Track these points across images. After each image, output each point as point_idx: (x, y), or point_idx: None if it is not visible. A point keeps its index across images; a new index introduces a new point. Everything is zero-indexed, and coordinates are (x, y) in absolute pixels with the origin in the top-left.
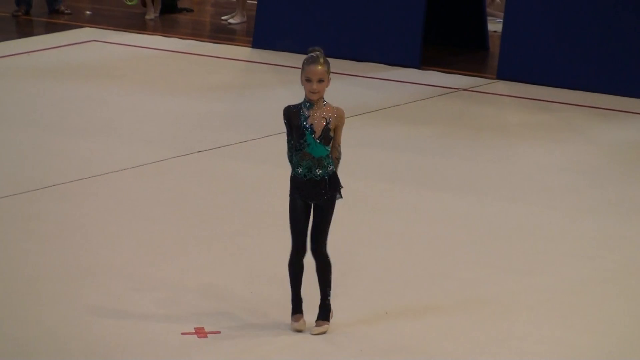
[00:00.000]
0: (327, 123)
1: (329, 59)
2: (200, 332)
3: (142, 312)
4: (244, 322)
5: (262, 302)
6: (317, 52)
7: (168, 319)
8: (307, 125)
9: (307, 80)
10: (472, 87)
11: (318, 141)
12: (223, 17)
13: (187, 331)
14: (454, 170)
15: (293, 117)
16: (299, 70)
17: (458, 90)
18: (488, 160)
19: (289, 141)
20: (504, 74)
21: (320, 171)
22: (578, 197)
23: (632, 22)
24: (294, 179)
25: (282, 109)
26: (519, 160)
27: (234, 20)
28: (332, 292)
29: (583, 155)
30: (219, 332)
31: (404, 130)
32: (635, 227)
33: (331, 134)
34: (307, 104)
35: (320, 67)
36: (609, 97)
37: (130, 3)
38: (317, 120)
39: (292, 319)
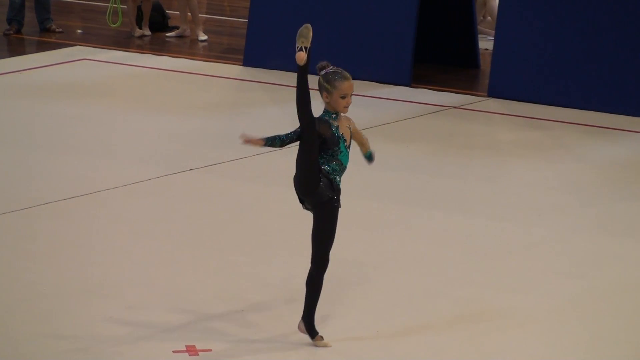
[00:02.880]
0: (350, 130)
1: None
2: (191, 350)
3: (133, 331)
4: (235, 340)
5: (253, 319)
6: (335, 67)
7: (159, 337)
8: (340, 134)
9: (342, 97)
10: (463, 105)
11: (348, 149)
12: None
13: (179, 349)
14: (444, 189)
15: (325, 128)
16: (290, 88)
17: (449, 108)
18: (479, 179)
19: (308, 152)
20: (495, 92)
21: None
22: (568, 215)
23: (622, 40)
24: (330, 187)
25: (274, 125)
26: (510, 179)
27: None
28: (324, 309)
29: (574, 173)
30: (211, 350)
31: (394, 148)
32: (625, 246)
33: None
34: (334, 115)
35: (351, 82)
36: (599, 114)
37: (114, 25)
38: (344, 130)
39: (316, 339)
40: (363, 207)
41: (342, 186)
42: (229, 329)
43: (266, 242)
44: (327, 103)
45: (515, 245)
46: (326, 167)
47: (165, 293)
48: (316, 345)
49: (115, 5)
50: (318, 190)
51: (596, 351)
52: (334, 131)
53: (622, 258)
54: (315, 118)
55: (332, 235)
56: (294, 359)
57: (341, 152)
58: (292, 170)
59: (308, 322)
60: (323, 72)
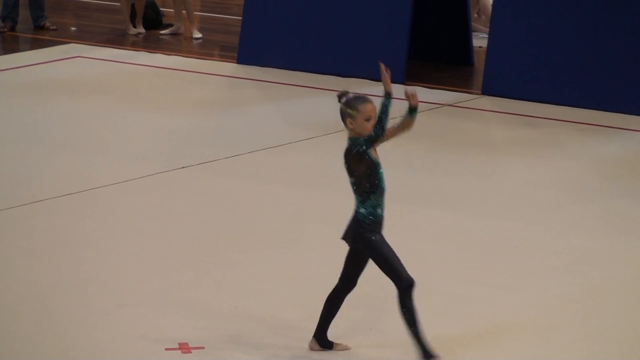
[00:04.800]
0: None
1: (313, 75)
2: (184, 348)
3: (127, 328)
4: (228, 338)
5: (246, 318)
6: (352, 92)
7: (153, 335)
8: (376, 159)
9: (367, 119)
10: (457, 103)
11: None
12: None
13: (172, 347)
14: (439, 186)
15: (365, 158)
16: (284, 86)
17: (443, 106)
18: (473, 176)
19: (366, 186)
20: (488, 90)
21: None
22: (563, 212)
23: (616, 38)
24: (375, 224)
25: (269, 122)
26: (504, 176)
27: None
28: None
29: (567, 170)
30: (203, 348)
31: (388, 145)
32: (620, 243)
33: None
34: (364, 142)
35: (374, 104)
36: (592, 112)
37: None
38: (375, 153)
39: (335, 347)
40: (349, 205)
41: (335, 184)
42: (222, 326)
43: (260, 240)
44: (351, 130)
45: (511, 242)
46: (368, 201)
47: (158, 290)
48: (338, 351)
49: None
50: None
51: (593, 349)
52: (373, 159)
53: (617, 254)
54: (350, 149)
55: (389, 258)
56: (286, 356)
57: (380, 177)
58: (286, 167)
59: (321, 338)
60: (344, 99)
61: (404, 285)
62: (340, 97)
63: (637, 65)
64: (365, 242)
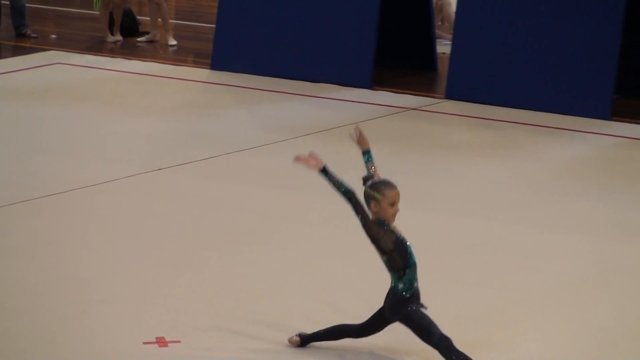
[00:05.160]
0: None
1: (284, 80)
2: (161, 342)
3: (106, 323)
4: (203, 332)
5: (221, 312)
6: (376, 178)
7: (131, 329)
8: (402, 236)
9: (391, 204)
10: (422, 107)
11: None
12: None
13: (149, 341)
14: (405, 187)
15: (391, 236)
16: (256, 91)
17: (408, 110)
18: (438, 177)
19: (399, 262)
20: (452, 94)
21: None
22: (523, 211)
23: (568, 47)
24: (413, 297)
25: (240, 125)
26: (467, 176)
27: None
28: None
29: (527, 171)
30: (179, 342)
31: (355, 148)
32: (574, 240)
33: None
34: (387, 223)
35: (398, 190)
36: (549, 115)
37: (96, 8)
38: (397, 229)
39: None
40: (328, 205)
41: (306, 185)
42: (198, 321)
43: (235, 238)
44: (375, 212)
45: (473, 239)
46: (405, 278)
47: (137, 287)
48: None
49: None
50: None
51: (551, 342)
52: (401, 237)
53: (575, 251)
54: (370, 234)
55: (425, 327)
56: (261, 348)
57: (410, 252)
58: (259, 168)
59: (306, 341)
60: (369, 182)
61: (439, 341)
62: (365, 180)
63: (588, 73)
64: (404, 315)
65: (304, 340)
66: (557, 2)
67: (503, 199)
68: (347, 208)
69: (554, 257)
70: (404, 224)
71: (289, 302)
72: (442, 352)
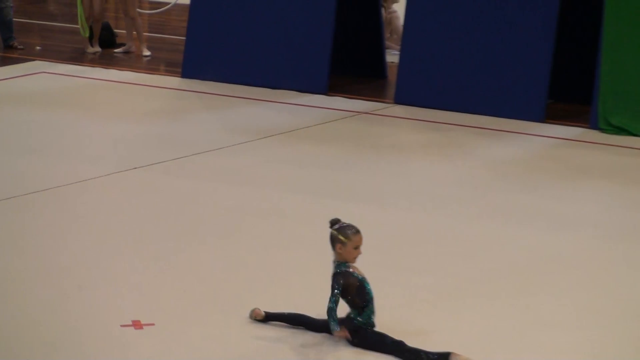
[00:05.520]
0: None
1: (248, 87)
2: (137, 324)
3: (85, 308)
4: (176, 315)
5: (192, 298)
6: (342, 222)
7: (108, 313)
8: (361, 276)
9: (355, 247)
10: (373, 111)
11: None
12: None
13: (126, 324)
14: (357, 183)
15: (352, 281)
16: (223, 97)
17: (360, 114)
18: (387, 174)
19: (358, 302)
20: (400, 99)
21: None
22: (464, 205)
23: (507, 56)
24: (370, 326)
25: (207, 128)
26: (414, 174)
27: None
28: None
29: (468, 169)
30: (154, 324)
31: (313, 148)
32: (512, 230)
33: None
34: (348, 264)
35: (361, 235)
36: (489, 118)
37: (86, 35)
38: (358, 270)
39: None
40: (284, 200)
41: (264, 182)
42: (171, 306)
43: (205, 230)
44: (339, 254)
45: (419, 231)
46: (365, 319)
47: (115, 275)
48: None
49: (83, 21)
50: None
51: (492, 325)
52: (358, 277)
53: (511, 240)
54: (341, 274)
55: (377, 339)
56: (229, 332)
57: (368, 291)
58: (226, 167)
59: (268, 318)
60: (337, 226)
61: (393, 347)
62: (333, 223)
63: (525, 79)
64: (361, 339)
65: (268, 317)
66: (495, 16)
67: (447, 193)
68: (310, 204)
69: (492, 246)
70: (354, 215)
71: (254, 287)
72: (398, 355)
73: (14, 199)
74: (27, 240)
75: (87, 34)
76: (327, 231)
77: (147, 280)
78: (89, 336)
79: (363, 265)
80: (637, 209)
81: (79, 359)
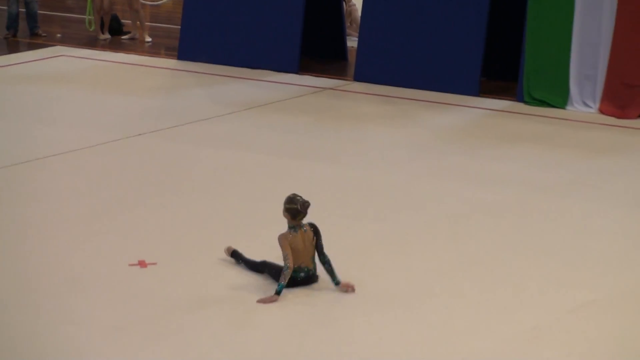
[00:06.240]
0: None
1: (232, 67)
2: (142, 263)
3: (97, 250)
4: (176, 256)
5: (191, 243)
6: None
7: (118, 255)
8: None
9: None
10: (336, 87)
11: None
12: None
13: (133, 263)
14: (322, 147)
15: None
16: (212, 75)
17: (325, 89)
18: (346, 140)
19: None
20: (359, 77)
21: None
22: (412, 165)
23: (447, 36)
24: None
25: (198, 101)
26: (369, 139)
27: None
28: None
29: (416, 136)
30: (156, 263)
31: (285, 118)
32: (453, 186)
33: None
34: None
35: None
36: (434, 93)
37: (90, 29)
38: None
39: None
40: (257, 160)
41: (244, 144)
42: (171, 248)
43: (195, 186)
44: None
45: (374, 186)
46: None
47: (121, 222)
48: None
49: (90, 17)
50: None
51: (430, 268)
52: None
53: (452, 194)
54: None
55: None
56: (225, 272)
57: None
58: (215, 133)
59: (234, 257)
60: (305, 204)
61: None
62: (304, 203)
63: (463, 60)
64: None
65: (234, 255)
66: (436, 8)
67: (397, 155)
68: (283, 163)
69: (435, 198)
70: (319, 174)
71: (237, 234)
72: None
73: (35, 161)
74: (47, 195)
75: (92, 28)
76: (294, 186)
77: (151, 226)
78: (103, 273)
79: (324, 215)
80: (556, 167)
81: (97, 291)
